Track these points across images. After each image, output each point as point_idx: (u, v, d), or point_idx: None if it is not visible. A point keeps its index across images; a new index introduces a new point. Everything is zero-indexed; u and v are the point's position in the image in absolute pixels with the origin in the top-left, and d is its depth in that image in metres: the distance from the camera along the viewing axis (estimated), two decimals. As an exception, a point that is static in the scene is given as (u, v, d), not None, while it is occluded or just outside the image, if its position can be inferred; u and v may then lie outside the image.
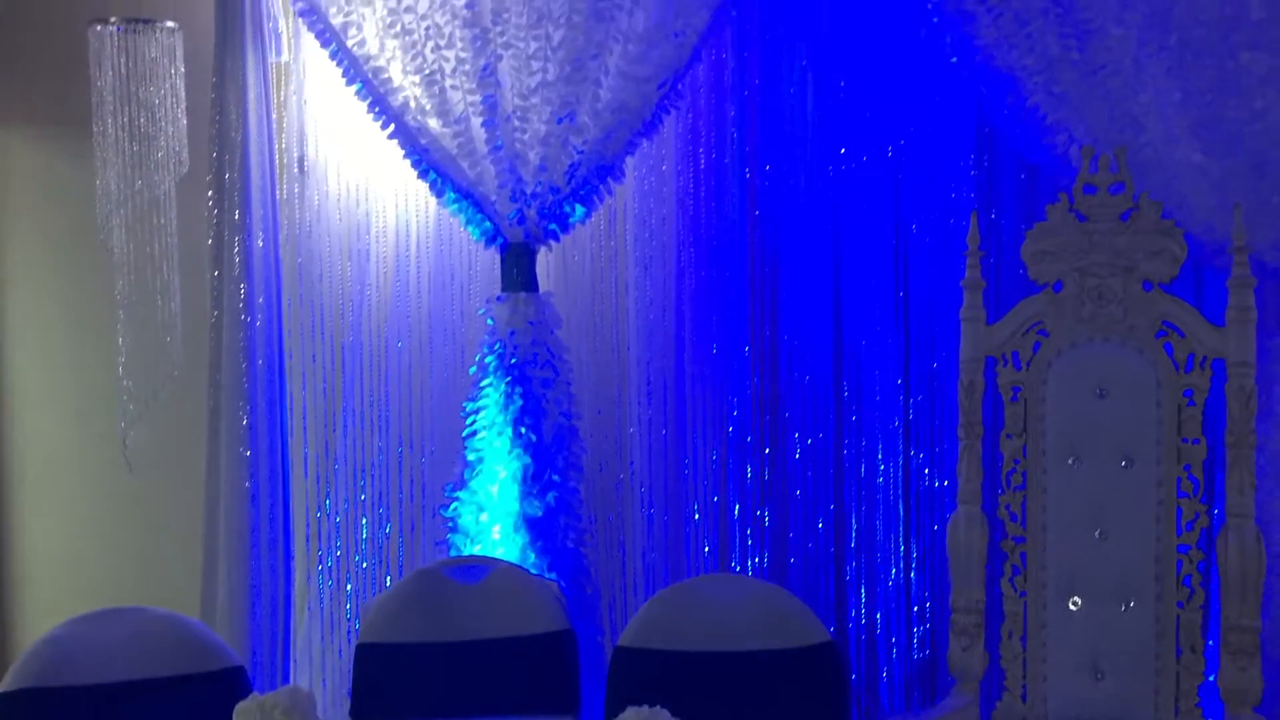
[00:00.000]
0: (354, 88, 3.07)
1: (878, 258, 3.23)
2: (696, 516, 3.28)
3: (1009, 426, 2.71)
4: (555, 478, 3.06)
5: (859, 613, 3.21)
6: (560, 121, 3.00)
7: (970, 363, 2.72)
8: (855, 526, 3.22)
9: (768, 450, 3.27)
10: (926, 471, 3.18)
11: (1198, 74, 2.76)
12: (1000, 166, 3.15)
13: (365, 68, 3.04)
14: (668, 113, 3.09)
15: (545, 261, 3.19)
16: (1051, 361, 2.68)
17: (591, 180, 3.06)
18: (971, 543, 2.69)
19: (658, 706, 1.74)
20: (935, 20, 2.95)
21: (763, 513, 3.26)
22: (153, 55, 3.14)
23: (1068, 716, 2.61)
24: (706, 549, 3.26)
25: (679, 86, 3.08)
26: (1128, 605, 2.59)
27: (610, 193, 3.12)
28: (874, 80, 3.16)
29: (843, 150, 3.19)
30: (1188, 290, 2.93)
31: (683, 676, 2.56)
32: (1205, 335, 2.58)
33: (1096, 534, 2.62)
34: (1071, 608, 2.63)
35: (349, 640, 3.23)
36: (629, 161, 3.17)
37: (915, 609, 3.19)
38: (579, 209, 3.10)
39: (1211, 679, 2.57)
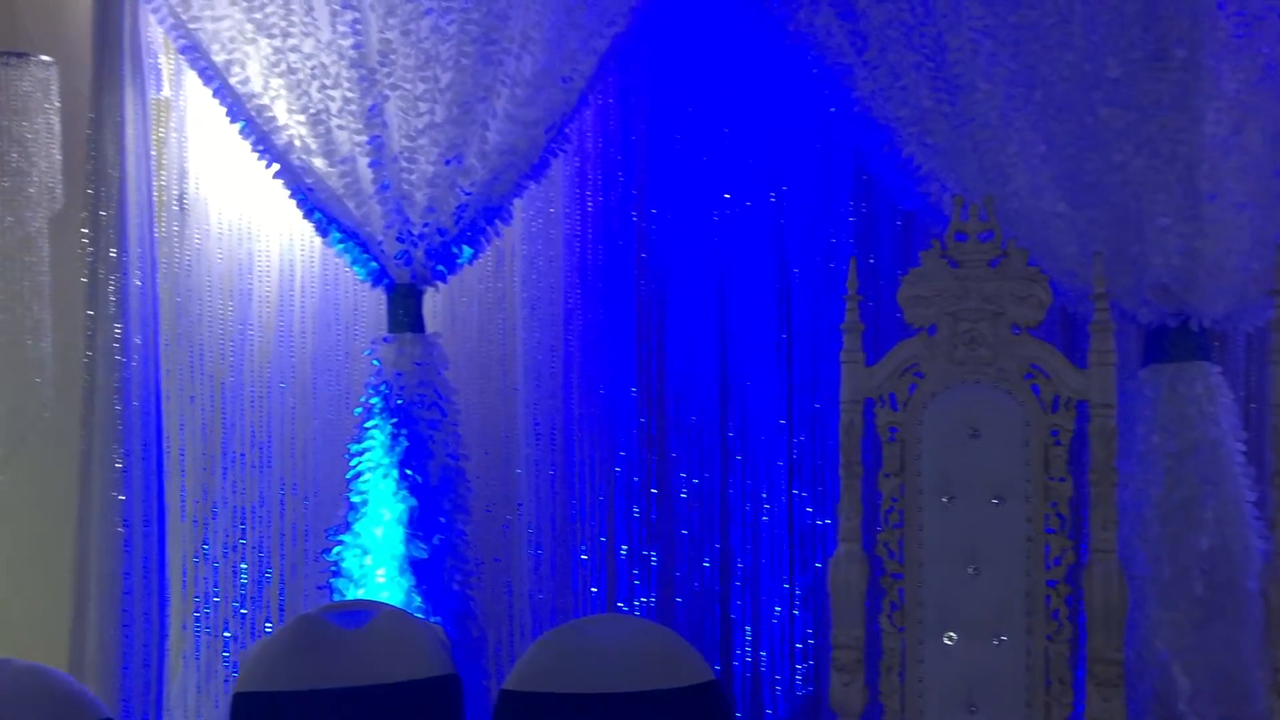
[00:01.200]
0: (237, 126, 3.04)
1: (762, 300, 3.30)
2: (584, 557, 3.29)
3: (887, 466, 2.78)
4: (442, 520, 3.03)
5: (744, 650, 3.25)
6: (448, 163, 3.01)
7: (850, 404, 2.79)
8: (741, 565, 3.27)
9: (655, 490, 3.30)
10: (809, 510, 3.24)
11: (1061, 128, 2.91)
12: (878, 213, 3.25)
13: (249, 106, 3.01)
14: (555, 156, 3.12)
15: (432, 302, 3.18)
16: (927, 403, 2.77)
17: (479, 222, 3.07)
18: (852, 580, 2.74)
19: None
20: (815, 72, 3.04)
21: (650, 552, 3.29)
22: (26, 89, 3.07)
23: (944, 750, 2.67)
24: (594, 589, 3.27)
25: (566, 130, 3.12)
26: (999, 639, 2.67)
27: (498, 234, 3.14)
28: (757, 128, 3.25)
29: (727, 195, 3.27)
30: (1055, 334, 3.05)
31: (568, 719, 2.55)
32: (1069, 377, 2.69)
33: (970, 570, 2.70)
34: (947, 642, 2.70)
35: (226, 689, 3.14)
36: (517, 204, 3.19)
37: (799, 646, 3.24)
38: (466, 250, 3.10)
39: (1080, 710, 2.66)
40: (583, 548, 3.28)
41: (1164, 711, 2.83)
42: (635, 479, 3.28)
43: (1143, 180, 2.85)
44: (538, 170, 3.09)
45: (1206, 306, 2.85)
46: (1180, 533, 2.85)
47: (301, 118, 2.99)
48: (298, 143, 3.01)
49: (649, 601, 3.27)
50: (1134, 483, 2.91)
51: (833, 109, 3.09)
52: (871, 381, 2.79)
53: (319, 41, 2.96)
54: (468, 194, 3.03)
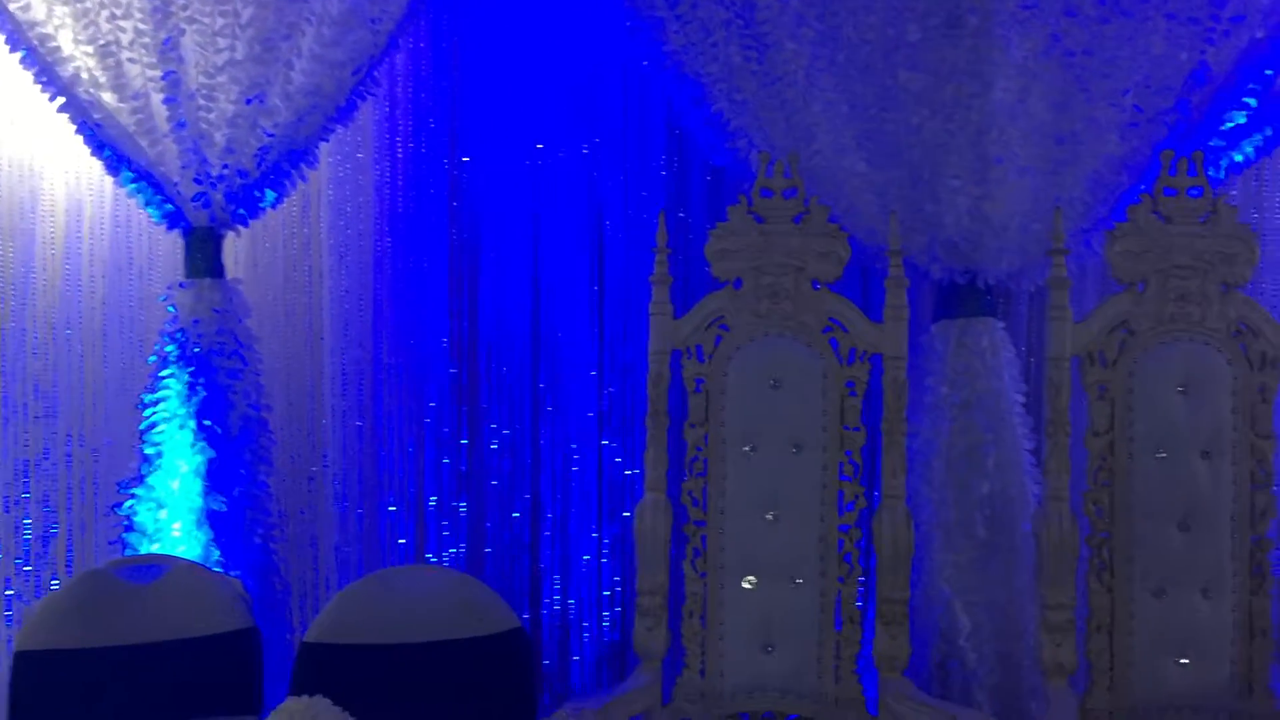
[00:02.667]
0: (17, 55, 2.86)
1: (575, 252, 3.31)
2: (392, 509, 3.26)
3: (692, 416, 2.84)
4: (242, 472, 2.96)
5: (553, 599, 3.29)
6: (249, 102, 2.90)
7: (657, 355, 2.83)
8: (551, 515, 3.29)
9: (465, 441, 3.29)
10: (619, 460, 3.29)
11: (863, 90, 2.99)
12: (690, 167, 3.29)
13: (30, 34, 2.84)
14: (364, 99, 3.05)
15: (234, 247, 3.08)
16: (731, 355, 2.83)
17: (283, 165, 2.99)
18: (656, 528, 2.80)
19: (318, 696, 1.72)
20: (628, 24, 3.04)
21: (459, 503, 3.28)
22: None
23: (741, 688, 2.77)
24: (402, 541, 3.25)
25: (375, 74, 3.05)
26: (796, 582, 2.77)
27: (303, 178, 3.05)
28: (570, 78, 3.24)
29: (540, 146, 3.26)
30: (855, 289, 3.16)
31: (370, 670, 2.54)
32: (865, 331, 2.80)
33: (770, 516, 2.79)
34: (746, 586, 2.79)
35: (9, 649, 3.00)
36: (324, 148, 3.11)
37: (607, 593, 3.29)
38: (269, 194, 3.01)
39: (868, 646, 2.79)
40: (391, 499, 3.25)
41: (946, 647, 3.00)
42: (445, 430, 3.27)
43: (937, 142, 2.95)
44: (345, 113, 3.02)
45: (992, 265, 2.99)
46: (964, 479, 3.00)
47: (89, 49, 2.84)
48: (85, 75, 2.85)
49: (458, 552, 3.27)
50: (923, 432, 3.04)
51: (645, 62, 3.10)
52: (679, 333, 2.84)
53: (107, -34, 2.80)
54: (270, 135, 2.93)
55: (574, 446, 3.29)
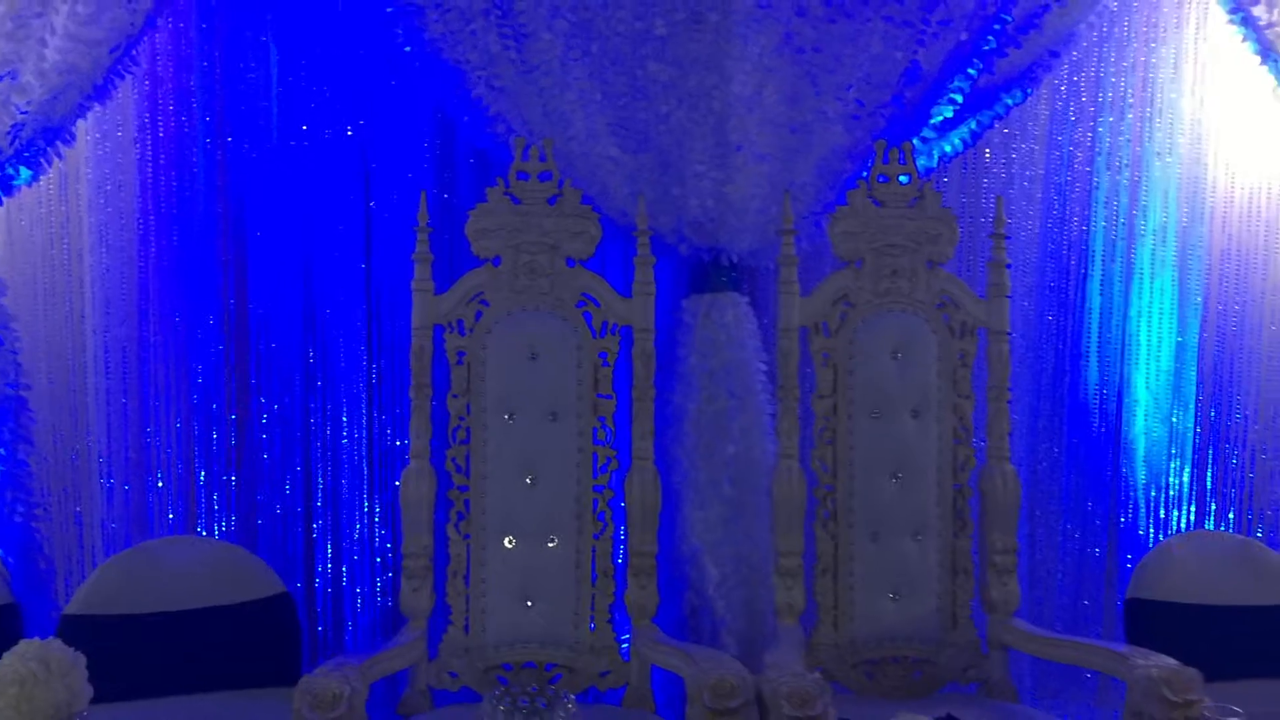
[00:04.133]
0: None
1: (345, 231, 3.39)
2: (160, 484, 3.28)
3: (455, 387, 2.99)
4: (1, 450, 2.94)
5: (326, 567, 3.39)
6: (1, 79, 2.87)
7: (420, 330, 2.97)
8: (322, 486, 3.38)
9: (234, 416, 3.34)
10: (388, 432, 3.40)
11: (614, 78, 3.17)
12: (454, 150, 3.41)
13: None
14: (121, 78, 3.05)
15: (-12, 225, 3.05)
16: (491, 328, 2.99)
17: (38, 142, 2.97)
18: (421, 494, 2.94)
19: (52, 638, 1.79)
20: (389, 10, 3.14)
21: (230, 477, 3.33)
22: None
23: (504, 641, 2.95)
24: (171, 516, 3.28)
25: (134, 52, 3.05)
26: (553, 540, 2.97)
27: (60, 156, 3.04)
28: (335, 60, 3.31)
29: (305, 127, 3.32)
30: (609, 265, 3.36)
31: (132, 639, 2.60)
32: (616, 305, 3.01)
33: (528, 480, 2.97)
34: (507, 546, 2.97)
35: None
36: (83, 126, 3.11)
37: (379, 560, 3.41)
38: (25, 172, 2.99)
39: (620, 597, 3.02)
40: (159, 475, 3.28)
41: (696, 597, 3.25)
42: (214, 405, 3.31)
43: (683, 130, 3.17)
44: (102, 92, 3.02)
45: (734, 244, 3.24)
46: (712, 441, 3.25)
47: None
48: None
49: (229, 526, 3.32)
50: (675, 399, 3.27)
51: (408, 48, 3.20)
52: (440, 309, 2.98)
53: None
54: (24, 113, 2.92)
55: (345, 420, 3.39)
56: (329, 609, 3.39)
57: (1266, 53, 3.46)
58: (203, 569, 2.68)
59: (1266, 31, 3.44)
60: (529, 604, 2.96)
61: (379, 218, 3.39)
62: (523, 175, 3.01)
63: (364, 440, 3.40)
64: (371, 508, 3.40)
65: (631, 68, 3.18)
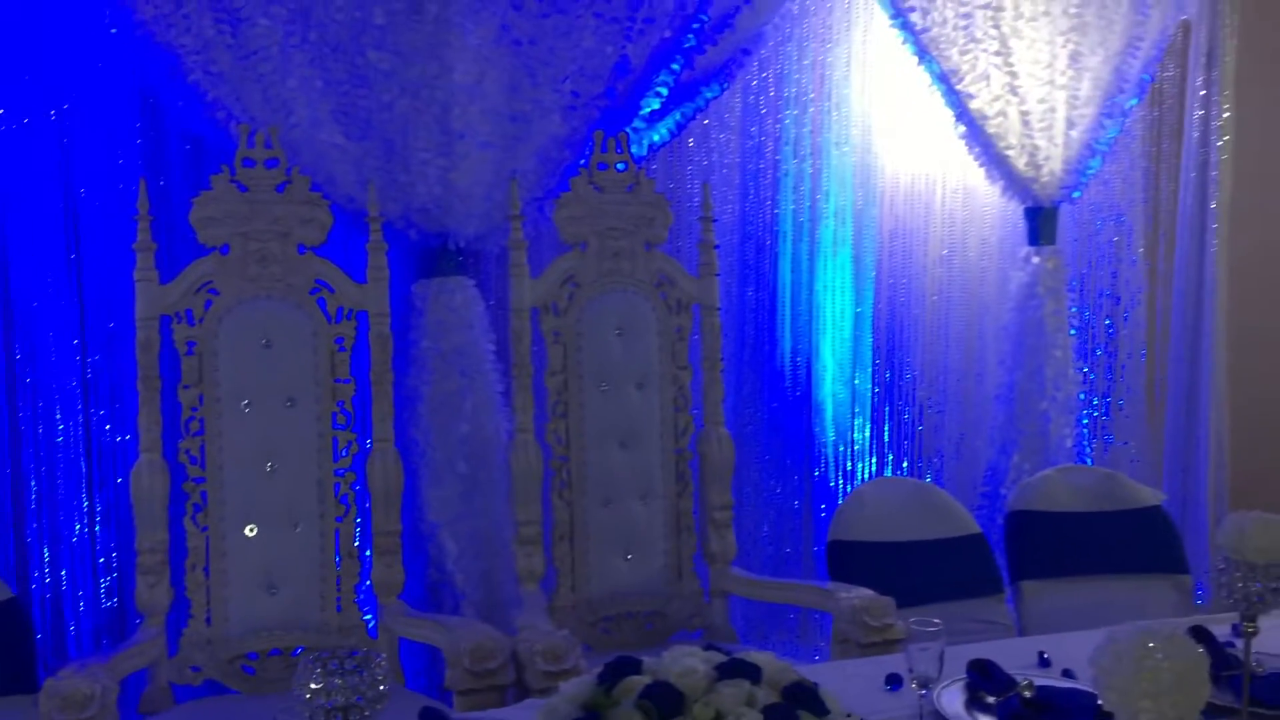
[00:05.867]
0: None
1: (47, 221, 3.22)
2: None
3: (186, 378, 2.94)
4: None
5: (43, 571, 3.23)
6: None
7: (145, 321, 2.90)
8: (35, 488, 3.22)
9: (-69, 420, 3.13)
10: (108, 428, 3.27)
11: (336, 66, 3.19)
12: (167, 136, 3.31)
13: None
14: None
15: None
16: (222, 317, 2.96)
17: None
18: (154, 488, 2.88)
19: None
20: (94, -11, 3.03)
21: (-79, 486, 3.12)
22: None
23: (248, 630, 2.94)
24: None
25: None
26: (296, 526, 2.99)
27: None
28: (32, 42, 3.14)
29: (1, 111, 3.14)
30: (339, 251, 3.38)
31: None
32: (350, 291, 3.06)
33: (268, 467, 2.97)
34: (248, 534, 2.96)
35: None
36: None
37: (102, 560, 3.28)
38: None
39: (366, 577, 3.08)
40: None
41: (437, 572, 3.36)
42: (-93, 409, 3.09)
43: (407, 118, 3.24)
44: None
45: (461, 229, 3.34)
46: (446, 421, 3.35)
47: None
48: None
49: (-69, 536, 3.11)
50: (409, 381, 3.35)
51: (114, 30, 3.09)
52: (167, 299, 2.92)
53: None
54: None
55: (58, 417, 3.23)
56: (48, 615, 3.23)
57: (923, 54, 3.93)
58: (-79, 581, 2.52)
59: (922, 35, 3.90)
60: (273, 591, 2.97)
61: (86, 206, 3.25)
62: (249, 162, 3.00)
63: (81, 438, 3.26)
64: (92, 507, 3.27)
65: (352, 56, 3.22)
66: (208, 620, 2.92)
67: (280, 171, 3.00)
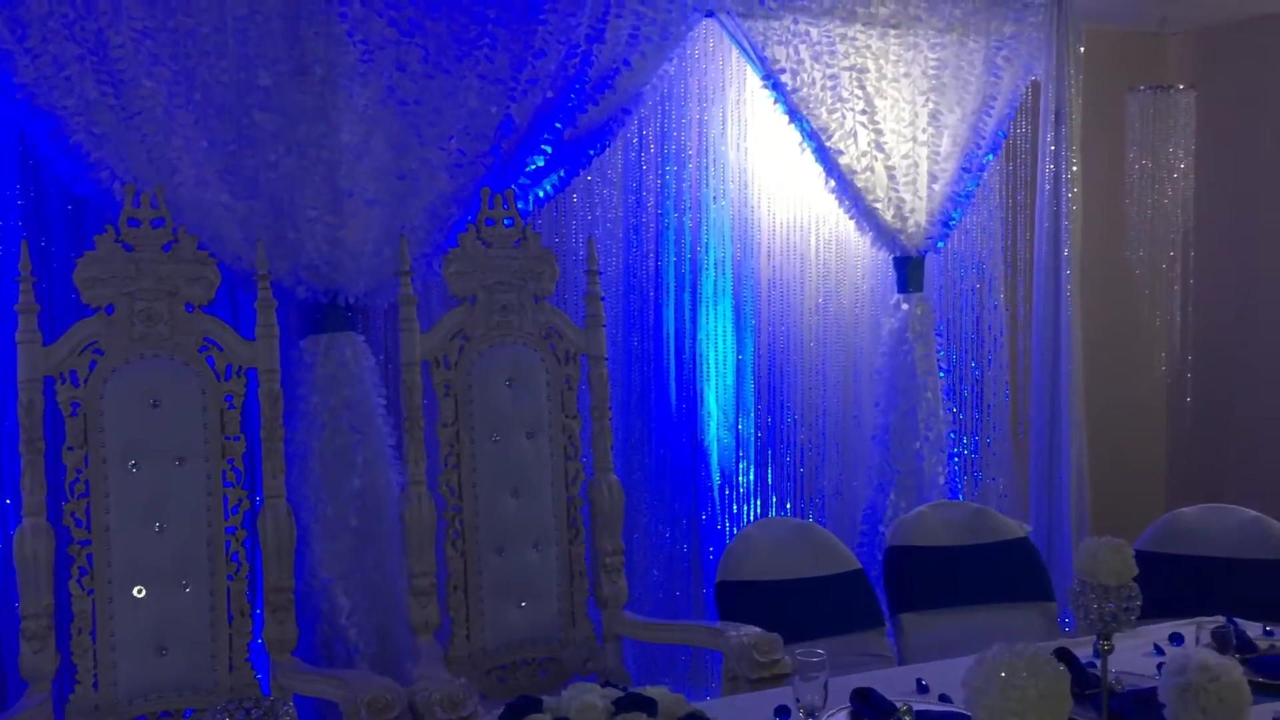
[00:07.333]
0: None
1: (-79, 283, 3.18)
2: None
3: (70, 439, 2.91)
4: None
5: (-83, 643, 3.14)
6: None
7: (28, 383, 2.86)
8: (-91, 556, 3.13)
9: None
10: (-14, 492, 3.22)
11: (221, 126, 3.23)
12: (49, 196, 3.30)
13: None
14: None
15: None
16: (108, 377, 2.95)
17: None
18: (38, 552, 2.83)
19: None
20: (-31, 53, 3.00)
21: None
22: None
23: (137, 693, 2.90)
24: None
25: None
26: (186, 586, 2.97)
27: None
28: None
29: None
30: (226, 310, 3.39)
31: None
32: (239, 348, 3.07)
33: (156, 527, 2.95)
34: (137, 596, 2.93)
35: None
36: None
37: (-21, 629, 3.21)
38: None
39: (258, 635, 3.07)
40: None
41: (329, 627, 3.35)
42: None
43: (294, 177, 3.28)
44: None
45: (350, 285, 3.38)
46: (337, 476, 3.37)
47: None
48: None
49: None
50: (299, 436, 3.36)
51: (-7, 92, 3.08)
52: (50, 360, 2.90)
53: None
54: None
55: (-68, 483, 3.17)
56: (-79, 688, 3.14)
57: (794, 113, 4.12)
58: None
59: (793, 95, 4.10)
60: (163, 652, 2.94)
61: (-37, 268, 3.21)
62: (134, 222, 3.00)
63: (-40, 503, 3.19)
64: (-30, 574, 3.19)
65: (238, 116, 3.26)
66: (94, 685, 2.88)
67: (166, 231, 3.01)
